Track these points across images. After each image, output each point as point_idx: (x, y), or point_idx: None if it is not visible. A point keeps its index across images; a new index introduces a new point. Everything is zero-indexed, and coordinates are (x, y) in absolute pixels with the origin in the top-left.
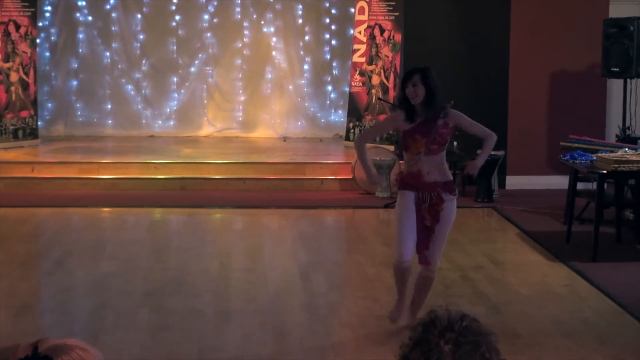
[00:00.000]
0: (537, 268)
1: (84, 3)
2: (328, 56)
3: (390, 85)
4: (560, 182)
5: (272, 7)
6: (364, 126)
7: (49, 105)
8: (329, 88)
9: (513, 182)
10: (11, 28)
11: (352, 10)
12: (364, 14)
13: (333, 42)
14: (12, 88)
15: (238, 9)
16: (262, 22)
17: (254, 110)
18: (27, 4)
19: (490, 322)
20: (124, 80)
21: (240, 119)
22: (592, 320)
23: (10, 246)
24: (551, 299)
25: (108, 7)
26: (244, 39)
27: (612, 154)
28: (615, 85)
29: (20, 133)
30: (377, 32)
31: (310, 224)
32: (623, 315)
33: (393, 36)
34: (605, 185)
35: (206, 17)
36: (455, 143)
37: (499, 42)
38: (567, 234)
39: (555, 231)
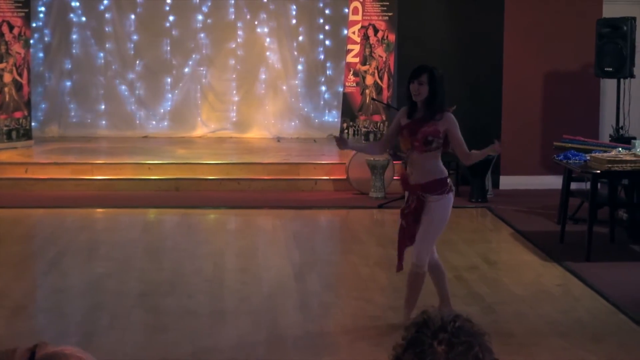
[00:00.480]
0: (531, 268)
1: (77, 4)
2: (322, 56)
3: (384, 85)
4: (553, 182)
5: (266, 7)
6: (358, 126)
7: (43, 106)
8: (323, 88)
9: (507, 182)
10: (5, 29)
11: (346, 10)
12: (357, 14)
13: (327, 42)
14: (6, 89)
15: (232, 10)
16: (256, 23)
17: (247, 111)
18: (20, 4)
19: (484, 322)
20: (117, 81)
21: (234, 119)
22: (585, 319)
23: (5, 247)
24: (545, 299)
25: (102, 7)
26: (238, 40)
27: (605, 154)
28: (608, 85)
29: (14, 134)
30: (371, 32)
31: (304, 225)
32: (617, 314)
33: (387, 36)
34: (599, 185)
35: (200, 17)
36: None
37: (493, 42)
38: (561, 234)
39: (549, 231)
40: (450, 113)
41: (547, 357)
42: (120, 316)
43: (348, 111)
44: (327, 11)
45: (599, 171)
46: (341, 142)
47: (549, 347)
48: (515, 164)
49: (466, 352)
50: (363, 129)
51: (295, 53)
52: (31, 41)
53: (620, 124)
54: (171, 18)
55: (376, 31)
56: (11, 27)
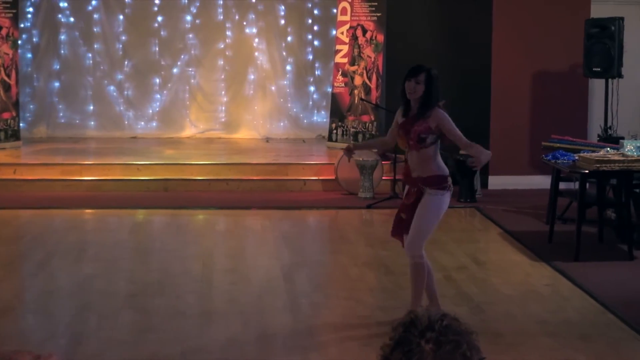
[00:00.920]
0: (519, 268)
1: (66, 4)
2: (310, 57)
3: (373, 85)
4: (542, 182)
5: (255, 8)
6: (347, 127)
7: (31, 106)
8: (312, 89)
9: (495, 182)
10: None
11: (335, 11)
12: (346, 14)
13: (315, 42)
14: None
15: (220, 10)
16: (245, 23)
17: (236, 111)
18: (8, 5)
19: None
20: (106, 82)
21: (222, 120)
22: (574, 319)
23: None
24: (534, 299)
25: (90, 8)
26: (227, 40)
27: (594, 154)
28: (597, 85)
29: (2, 135)
30: (359, 32)
31: (293, 225)
32: (605, 314)
33: (375, 37)
34: (587, 184)
35: (188, 18)
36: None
37: (481, 42)
38: (550, 234)
39: (537, 231)
40: (439, 109)
41: (536, 357)
42: (109, 317)
43: (337, 111)
44: (315, 11)
45: (587, 171)
46: (348, 152)
47: (537, 346)
48: (504, 164)
49: (454, 350)
50: (352, 129)
51: (284, 53)
52: (19, 42)
53: (609, 123)
54: (159, 18)
55: (365, 31)
56: None
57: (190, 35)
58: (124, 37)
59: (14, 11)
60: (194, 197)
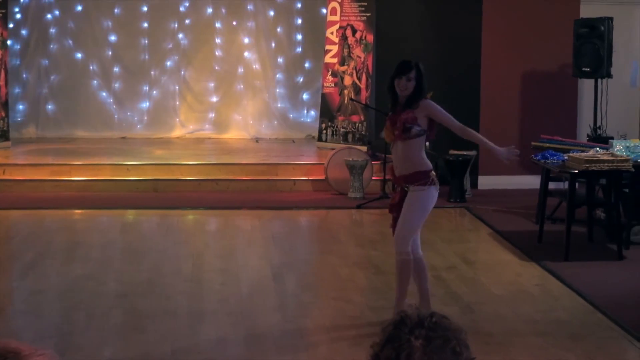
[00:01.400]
0: (509, 268)
1: (54, 4)
2: (300, 57)
3: (363, 85)
4: (532, 181)
5: (244, 8)
6: (336, 127)
7: (20, 107)
8: (301, 89)
9: (485, 182)
10: None
11: (324, 11)
12: (336, 14)
13: (305, 43)
14: None
15: (210, 10)
16: (234, 23)
17: (226, 112)
18: None
19: (463, 321)
20: (95, 82)
21: (212, 120)
22: (564, 319)
23: None
24: (524, 299)
25: (79, 7)
26: (216, 40)
27: (583, 154)
28: (586, 85)
29: None
30: (349, 32)
31: (283, 225)
32: (595, 314)
33: (365, 37)
34: (577, 184)
35: (178, 18)
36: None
37: (471, 42)
38: (539, 234)
39: (527, 231)
40: (427, 99)
41: (526, 357)
42: (99, 317)
43: (326, 111)
44: (305, 12)
45: (576, 171)
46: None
47: (527, 346)
48: (494, 164)
49: (443, 345)
50: (341, 130)
51: (274, 53)
52: (8, 42)
53: (598, 123)
54: (149, 19)
55: (354, 31)
56: None
57: (180, 36)
58: (113, 37)
59: (3, 11)
60: (184, 198)
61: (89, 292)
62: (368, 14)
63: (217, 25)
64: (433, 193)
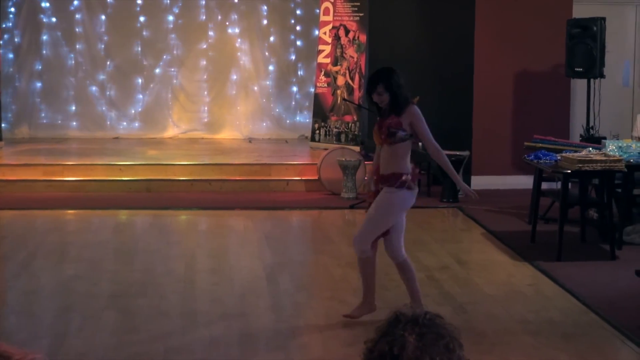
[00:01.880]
0: (502, 268)
1: (47, 4)
2: (293, 57)
3: (356, 85)
4: (524, 181)
5: (237, 8)
6: (329, 127)
7: (13, 107)
8: (294, 89)
9: (478, 182)
10: None
11: (317, 11)
12: (328, 14)
13: (298, 43)
14: None
15: (203, 10)
16: (227, 23)
17: (219, 112)
18: None
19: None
20: (88, 82)
21: (205, 120)
22: (557, 319)
23: None
24: (516, 299)
25: (72, 8)
26: (209, 40)
27: (576, 154)
28: (579, 85)
29: None
30: (342, 32)
31: (276, 225)
32: (588, 314)
33: (358, 37)
34: (570, 184)
35: (171, 18)
36: (420, 144)
37: (464, 42)
38: (532, 234)
39: (520, 231)
40: (414, 105)
41: (519, 356)
42: (92, 317)
43: (319, 112)
44: (298, 12)
45: (569, 171)
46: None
47: (520, 346)
48: (486, 164)
49: (436, 340)
50: (334, 130)
51: (267, 54)
52: (1, 42)
53: (591, 124)
54: (142, 19)
55: (347, 32)
56: None
57: (173, 36)
58: (106, 38)
59: None
60: (177, 198)
61: (81, 293)
62: (361, 14)
63: (210, 25)
64: (405, 196)
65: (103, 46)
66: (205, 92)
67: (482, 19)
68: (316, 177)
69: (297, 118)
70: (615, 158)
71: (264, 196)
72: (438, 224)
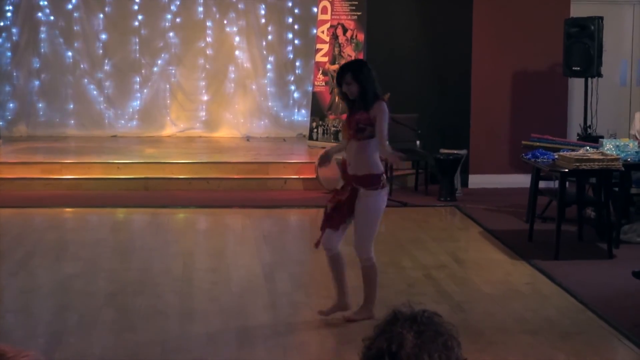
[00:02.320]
0: (499, 266)
1: (45, 2)
2: (291, 56)
3: None
4: (522, 180)
5: (235, 6)
6: (327, 125)
7: (11, 105)
8: (292, 87)
9: (475, 180)
10: None
11: (315, 9)
12: (326, 13)
13: (296, 41)
14: None
15: (201, 9)
16: (225, 22)
17: (217, 110)
18: None
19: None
20: (86, 80)
21: (203, 118)
22: (554, 317)
23: None
24: (514, 297)
25: (70, 6)
26: (207, 39)
27: (573, 153)
28: (576, 85)
29: None
30: (339, 31)
31: (273, 224)
32: (585, 312)
33: (356, 36)
34: (567, 183)
35: (169, 16)
36: (418, 142)
37: (462, 41)
38: (530, 232)
39: (517, 229)
40: (382, 102)
41: (516, 355)
42: (89, 316)
43: (317, 110)
44: (296, 10)
45: (567, 170)
46: (324, 161)
47: (517, 344)
48: (484, 162)
49: (435, 338)
50: (332, 128)
51: (265, 52)
52: None
53: (588, 123)
54: (140, 17)
55: (345, 30)
56: None
57: (171, 34)
58: (104, 36)
59: None
60: (175, 196)
61: (79, 291)
62: (359, 13)
63: (208, 23)
64: (384, 197)
65: (101, 44)
66: (203, 91)
67: (480, 17)
68: (314, 176)
69: (295, 116)
70: (612, 157)
71: (261, 194)
72: (436, 223)
